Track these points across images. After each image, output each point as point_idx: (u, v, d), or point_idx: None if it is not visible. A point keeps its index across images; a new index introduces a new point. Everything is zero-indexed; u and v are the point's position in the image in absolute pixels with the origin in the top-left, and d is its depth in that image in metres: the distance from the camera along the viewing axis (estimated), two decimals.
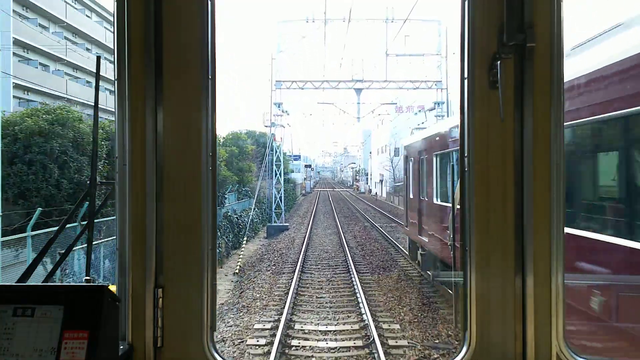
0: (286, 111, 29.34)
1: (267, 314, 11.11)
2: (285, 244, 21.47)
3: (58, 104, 15.26)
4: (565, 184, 1.79)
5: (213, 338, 1.86)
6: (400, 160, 48.89)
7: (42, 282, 1.83)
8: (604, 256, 4.87)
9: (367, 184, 67.38)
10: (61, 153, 12.68)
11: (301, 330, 10.00)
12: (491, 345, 1.78)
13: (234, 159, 27.63)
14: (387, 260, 17.36)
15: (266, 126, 28.44)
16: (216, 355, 1.84)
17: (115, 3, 1.81)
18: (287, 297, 12.09)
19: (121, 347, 1.75)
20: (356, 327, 10.10)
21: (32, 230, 10.74)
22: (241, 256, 18.38)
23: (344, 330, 9.95)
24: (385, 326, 10.07)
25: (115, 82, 1.82)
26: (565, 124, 1.81)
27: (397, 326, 10.12)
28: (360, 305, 11.43)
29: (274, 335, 9.52)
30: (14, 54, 34.31)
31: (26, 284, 1.80)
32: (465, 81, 1.81)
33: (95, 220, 1.95)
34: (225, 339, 9.67)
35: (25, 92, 33.38)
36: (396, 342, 9.26)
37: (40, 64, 37.16)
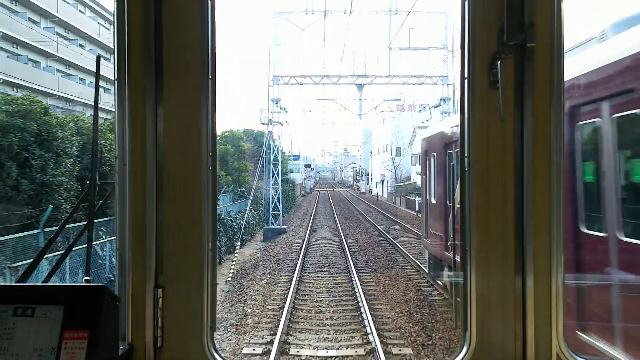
0: (284, 108, 27.81)
1: (258, 334, 9.60)
2: (283, 248, 20.00)
3: (23, 95, 13.71)
4: (564, 184, 1.78)
5: (213, 338, 1.85)
6: (401, 158, 47.53)
7: (42, 282, 1.84)
8: None
9: (367, 184, 66.32)
10: (21, 149, 11.13)
11: (297, 356, 8.44)
12: (491, 345, 1.79)
13: (230, 158, 26.05)
14: (393, 268, 15.87)
15: (263, 123, 26.99)
16: (216, 355, 1.83)
17: (115, 3, 1.82)
18: (282, 312, 10.56)
19: (121, 347, 1.75)
20: (361, 351, 8.52)
21: None
22: (235, 262, 16.92)
23: (347, 357, 8.38)
24: (395, 350, 8.50)
25: (115, 82, 1.83)
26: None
27: (409, 350, 8.53)
28: (366, 322, 9.91)
29: None
30: (2, 49, 32.75)
31: (26, 284, 1.81)
32: (466, 81, 1.83)
33: (99, 220, 1.88)
34: None
35: (15, 89, 31.86)
36: None
37: (30, 59, 35.59)
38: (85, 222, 1.94)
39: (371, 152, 65.90)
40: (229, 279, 14.86)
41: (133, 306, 1.83)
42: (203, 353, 1.84)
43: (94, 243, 2.70)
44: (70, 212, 2.64)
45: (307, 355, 8.84)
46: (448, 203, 10.84)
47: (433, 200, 12.75)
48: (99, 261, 11.63)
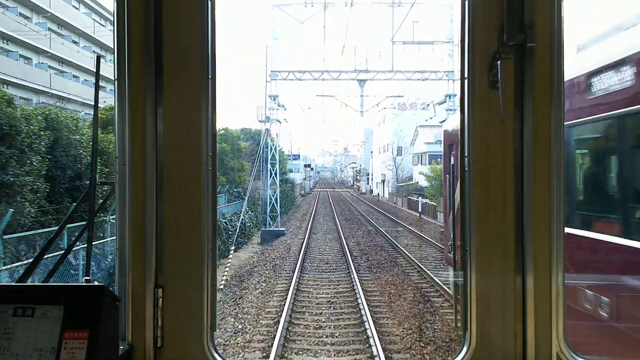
0: (283, 105, 26.45)
1: (249, 355, 8.28)
2: (280, 252, 18.77)
3: None
4: (565, 183, 1.81)
5: (213, 338, 1.87)
6: (402, 158, 46.29)
7: (42, 282, 1.87)
8: None
9: (368, 184, 65.15)
10: None
11: None
12: (491, 345, 1.80)
13: (225, 157, 24.73)
14: (398, 275, 14.59)
15: (260, 121, 25.64)
16: (216, 355, 1.84)
17: (115, 3, 1.83)
18: (277, 328, 9.28)
19: (121, 347, 1.77)
20: None
21: None
22: (228, 267, 15.73)
23: None
24: None
25: (115, 82, 1.84)
26: None
27: None
28: (371, 340, 8.64)
29: None
30: None
31: (26, 284, 1.83)
32: (465, 81, 1.84)
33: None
34: None
35: (5, 86, 30.70)
36: None
37: (21, 56, 34.46)
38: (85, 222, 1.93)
39: (372, 152, 65.11)
40: (221, 286, 13.69)
41: (133, 306, 1.82)
42: (203, 353, 1.83)
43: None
44: (70, 212, 2.49)
45: None
46: None
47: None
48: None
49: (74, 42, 37.93)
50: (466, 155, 1.84)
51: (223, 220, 20.49)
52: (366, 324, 10.04)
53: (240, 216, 21.92)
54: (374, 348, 8.68)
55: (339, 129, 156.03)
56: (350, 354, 8.73)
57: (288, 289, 12.91)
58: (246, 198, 23.59)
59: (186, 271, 1.84)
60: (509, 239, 1.80)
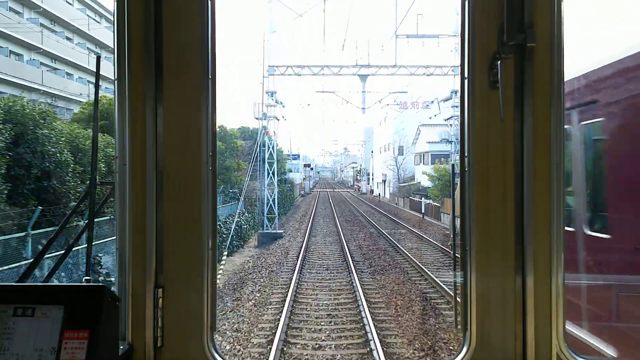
0: (281, 102, 25.12)
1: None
2: (277, 257, 17.53)
3: None
4: (565, 183, 1.85)
5: (213, 338, 1.89)
6: (404, 157, 44.99)
7: (42, 282, 1.91)
8: None
9: (368, 184, 63.89)
10: None
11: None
12: (491, 345, 1.82)
13: (220, 156, 23.42)
14: (405, 283, 13.35)
15: (257, 118, 24.37)
16: (216, 355, 1.86)
17: (115, 3, 1.85)
18: (270, 349, 7.99)
19: (121, 347, 1.78)
20: None
21: None
22: (221, 273, 14.38)
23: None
24: None
25: (115, 82, 1.86)
26: None
27: None
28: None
29: None
30: None
31: (26, 284, 1.85)
32: (466, 81, 1.85)
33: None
34: None
35: None
36: None
37: (12, 52, 33.18)
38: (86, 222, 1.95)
39: (372, 152, 64.11)
40: None
41: (133, 306, 1.84)
42: (203, 353, 1.85)
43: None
44: (71, 212, 2.73)
45: None
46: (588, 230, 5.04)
47: None
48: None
49: (68, 38, 36.79)
50: (466, 155, 1.85)
51: (217, 223, 19.19)
52: (372, 343, 8.78)
53: (235, 218, 20.61)
54: None
55: (339, 128, 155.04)
56: None
57: (284, 300, 11.64)
58: (241, 199, 22.26)
59: (186, 271, 1.86)
60: (509, 239, 1.82)
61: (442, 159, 31.28)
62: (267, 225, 24.06)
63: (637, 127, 4.49)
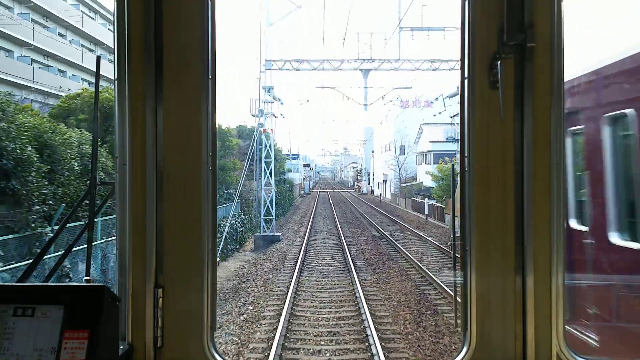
0: (279, 99, 23.83)
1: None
2: (274, 263, 16.34)
3: None
4: (565, 183, 1.86)
5: (213, 338, 1.90)
6: (405, 157, 43.74)
7: (42, 282, 1.93)
8: None
9: (369, 184, 62.61)
10: None
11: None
12: (491, 345, 1.83)
13: None
14: (412, 293, 12.11)
15: (253, 115, 23.07)
16: (216, 355, 1.87)
17: (115, 3, 1.86)
18: None
19: (121, 347, 1.80)
20: None
21: None
22: None
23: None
24: None
25: (115, 82, 1.87)
26: None
27: None
28: None
29: None
30: None
31: (26, 284, 1.86)
32: (466, 81, 1.86)
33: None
34: None
35: None
36: None
37: (2, 48, 32.08)
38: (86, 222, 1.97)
39: (373, 151, 62.98)
40: None
41: (133, 306, 1.85)
42: (203, 353, 1.86)
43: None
44: (71, 212, 2.38)
45: None
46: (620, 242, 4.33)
47: (578, 226, 4.99)
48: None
49: (60, 34, 35.65)
50: (466, 155, 1.87)
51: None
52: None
53: (233, 220, 19.31)
54: None
55: (339, 127, 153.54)
56: None
57: (280, 314, 10.38)
58: (235, 200, 20.96)
59: (186, 271, 1.86)
60: (509, 239, 1.83)
61: (447, 158, 30.01)
62: (264, 228, 22.75)
63: None
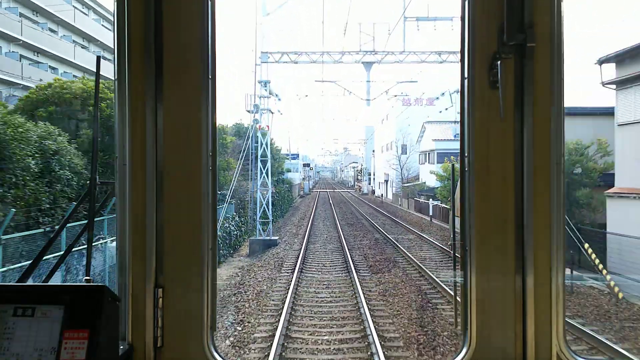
0: (277, 95, 22.26)
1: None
2: (270, 270, 15.05)
3: None
4: (565, 183, 1.89)
5: (213, 338, 1.91)
6: (407, 156, 42.29)
7: (42, 282, 1.92)
8: None
9: (369, 184, 61.13)
10: None
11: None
12: (491, 345, 1.84)
13: None
14: (425, 309, 10.67)
15: (248, 111, 21.57)
16: (216, 355, 1.88)
17: (115, 3, 1.88)
18: None
19: (121, 347, 1.82)
20: None
21: None
22: None
23: None
24: None
25: (115, 82, 1.88)
26: None
27: None
28: None
29: None
30: None
31: (26, 284, 1.86)
32: (466, 81, 1.88)
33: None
34: None
35: None
36: None
37: None
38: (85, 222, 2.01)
39: (373, 151, 61.65)
40: None
41: (133, 306, 1.86)
42: (203, 353, 1.87)
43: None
44: (71, 212, 2.36)
45: None
46: None
47: None
48: None
49: (51, 30, 34.17)
50: (466, 155, 1.88)
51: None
52: None
53: (225, 223, 17.77)
54: None
55: (339, 126, 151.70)
56: None
57: (274, 334, 8.81)
58: (226, 201, 19.40)
59: (186, 271, 1.87)
60: (509, 239, 1.84)
61: (452, 157, 28.51)
62: (260, 231, 21.23)
63: None
